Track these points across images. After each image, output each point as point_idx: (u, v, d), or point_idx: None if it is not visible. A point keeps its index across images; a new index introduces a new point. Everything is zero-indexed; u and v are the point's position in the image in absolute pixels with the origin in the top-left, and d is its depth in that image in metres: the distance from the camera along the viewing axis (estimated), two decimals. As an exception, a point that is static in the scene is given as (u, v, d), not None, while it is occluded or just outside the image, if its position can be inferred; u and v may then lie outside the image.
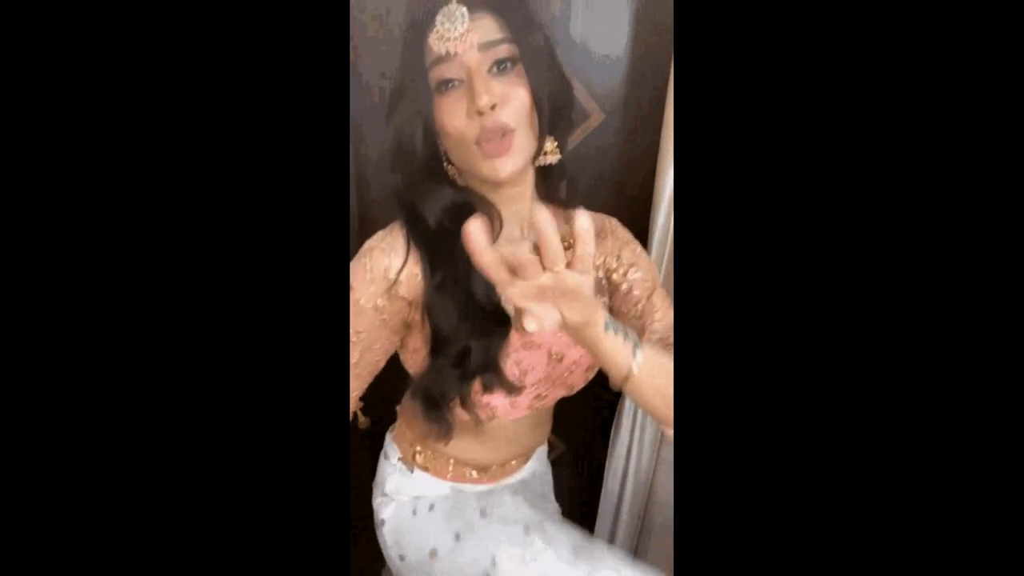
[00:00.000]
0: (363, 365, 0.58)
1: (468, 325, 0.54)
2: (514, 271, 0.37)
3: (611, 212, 1.00)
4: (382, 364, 0.61)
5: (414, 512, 0.70)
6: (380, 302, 0.55)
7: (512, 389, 0.58)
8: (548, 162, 0.56)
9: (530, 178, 0.58)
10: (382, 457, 0.77)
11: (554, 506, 0.84)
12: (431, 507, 0.70)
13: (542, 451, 0.84)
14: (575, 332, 0.44)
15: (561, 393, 0.67)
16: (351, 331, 0.55)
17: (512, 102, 0.50)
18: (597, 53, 0.91)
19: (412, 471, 0.72)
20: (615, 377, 0.49)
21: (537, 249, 0.36)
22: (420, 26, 0.50)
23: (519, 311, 0.39)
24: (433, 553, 0.66)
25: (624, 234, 0.69)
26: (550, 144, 0.56)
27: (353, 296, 0.55)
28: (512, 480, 0.76)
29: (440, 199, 0.55)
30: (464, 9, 0.48)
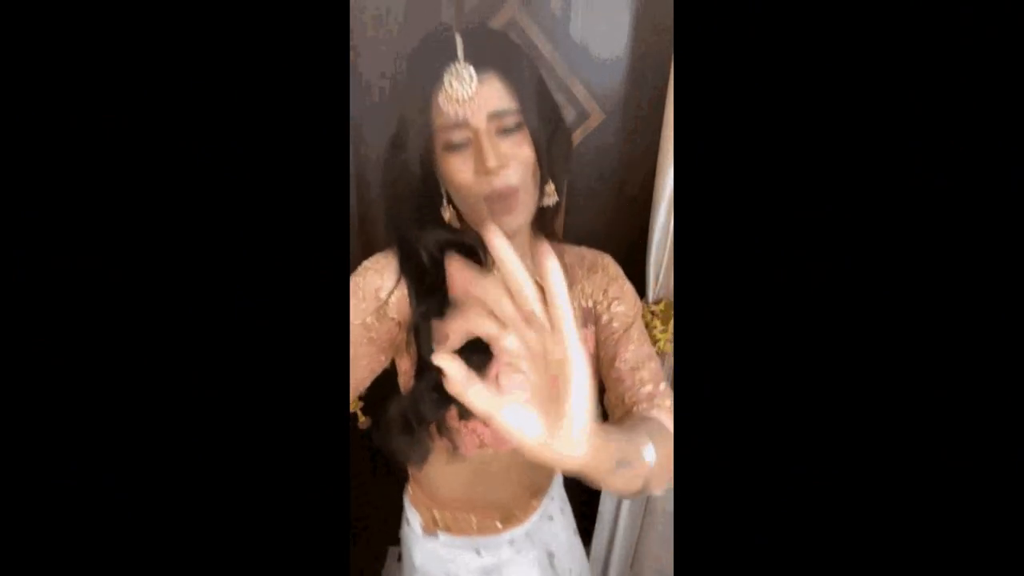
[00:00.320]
0: (349, 381, 0.59)
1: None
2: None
3: (611, 212, 1.00)
4: (367, 382, 0.61)
5: None
6: (369, 320, 0.56)
7: (445, 430, 0.58)
8: (546, 203, 0.58)
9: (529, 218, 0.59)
10: (404, 523, 0.77)
11: (577, 541, 0.84)
12: None
13: (561, 491, 0.84)
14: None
15: None
16: None
17: (518, 163, 0.52)
18: (597, 53, 0.91)
19: (437, 536, 0.72)
20: (628, 493, 0.45)
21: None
22: (423, 77, 0.51)
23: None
24: None
25: (615, 271, 0.70)
26: (549, 187, 0.58)
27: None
28: (535, 517, 0.75)
29: (434, 239, 0.57)
30: (471, 69, 0.49)
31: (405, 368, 0.60)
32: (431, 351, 0.54)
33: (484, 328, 0.32)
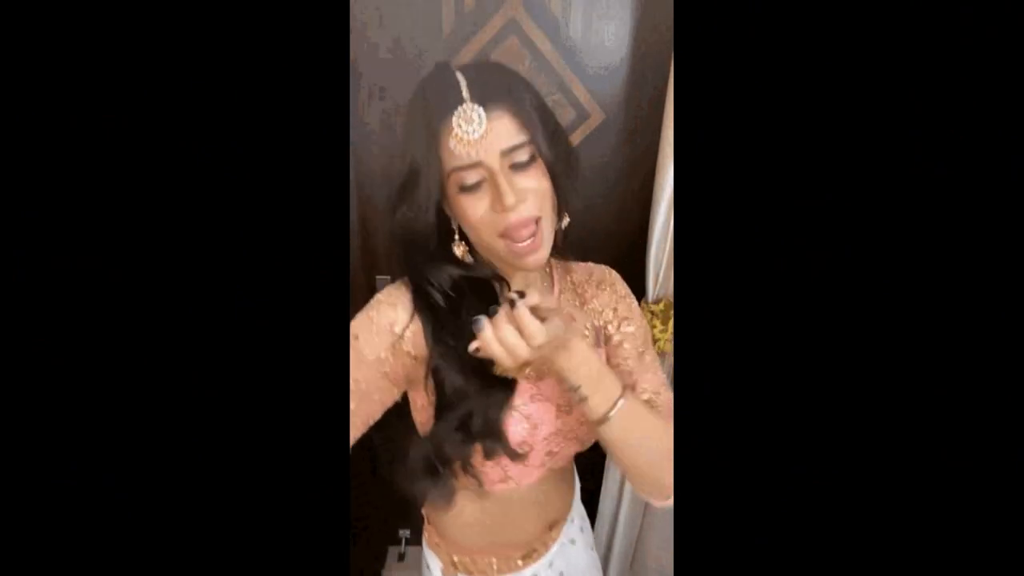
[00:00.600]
0: (359, 414, 0.57)
1: (471, 387, 0.54)
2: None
3: (611, 212, 1.01)
4: (378, 415, 0.60)
5: None
6: (383, 354, 0.55)
7: (515, 456, 0.57)
8: (562, 226, 0.58)
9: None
10: (424, 568, 0.76)
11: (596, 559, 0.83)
12: None
13: (580, 508, 0.83)
14: (549, 358, 0.50)
15: (574, 448, 0.65)
16: (351, 379, 0.55)
17: (535, 195, 0.51)
18: (597, 53, 0.91)
19: None
20: (592, 413, 0.53)
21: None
22: (428, 120, 0.50)
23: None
24: None
25: (622, 288, 0.70)
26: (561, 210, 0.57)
27: (357, 346, 0.55)
28: (556, 546, 0.74)
29: (448, 275, 0.56)
30: (480, 110, 0.48)
31: (421, 404, 0.59)
32: (451, 388, 0.54)
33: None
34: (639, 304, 0.74)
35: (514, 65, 0.68)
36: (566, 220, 0.57)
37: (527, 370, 0.56)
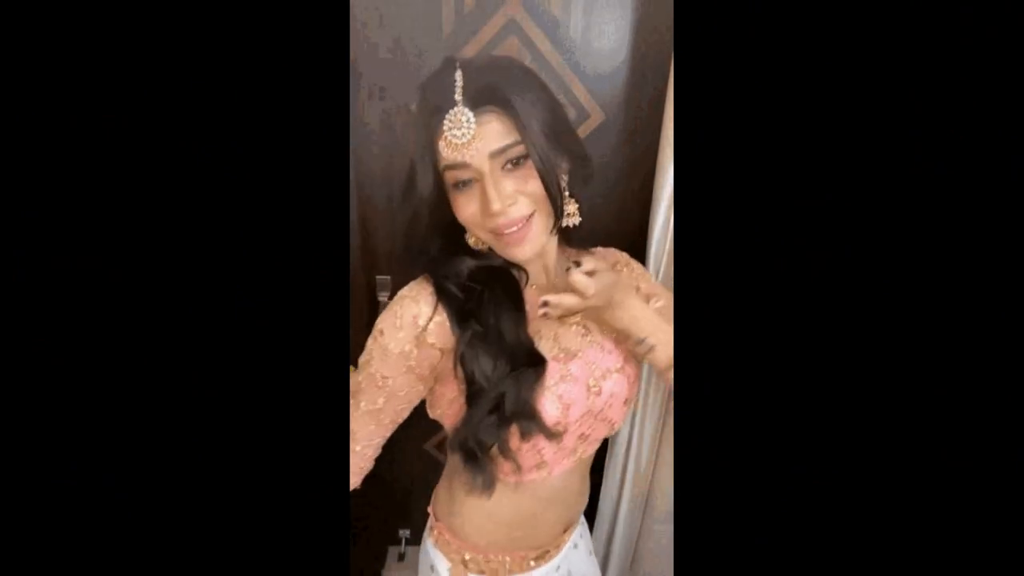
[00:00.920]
0: (387, 412, 0.59)
1: (500, 372, 0.55)
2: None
3: (611, 211, 1.00)
4: (405, 414, 0.61)
5: None
6: (407, 347, 0.55)
7: (551, 435, 0.57)
8: (570, 223, 0.58)
9: (552, 237, 0.59)
10: (427, 568, 0.74)
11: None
12: None
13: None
14: (609, 316, 0.57)
15: (604, 432, 0.66)
16: (378, 376, 0.57)
17: (525, 196, 0.52)
18: (597, 53, 0.91)
19: None
20: (660, 362, 0.58)
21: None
22: (427, 118, 0.51)
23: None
24: None
25: (638, 267, 0.72)
26: (572, 207, 0.57)
27: (382, 341, 0.56)
28: (565, 549, 0.75)
29: (463, 267, 0.58)
30: (470, 114, 0.48)
31: (452, 396, 0.59)
32: (481, 374, 0.55)
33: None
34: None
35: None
36: (576, 218, 0.58)
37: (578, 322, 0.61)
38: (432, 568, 0.73)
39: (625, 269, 0.71)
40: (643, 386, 0.97)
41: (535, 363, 0.56)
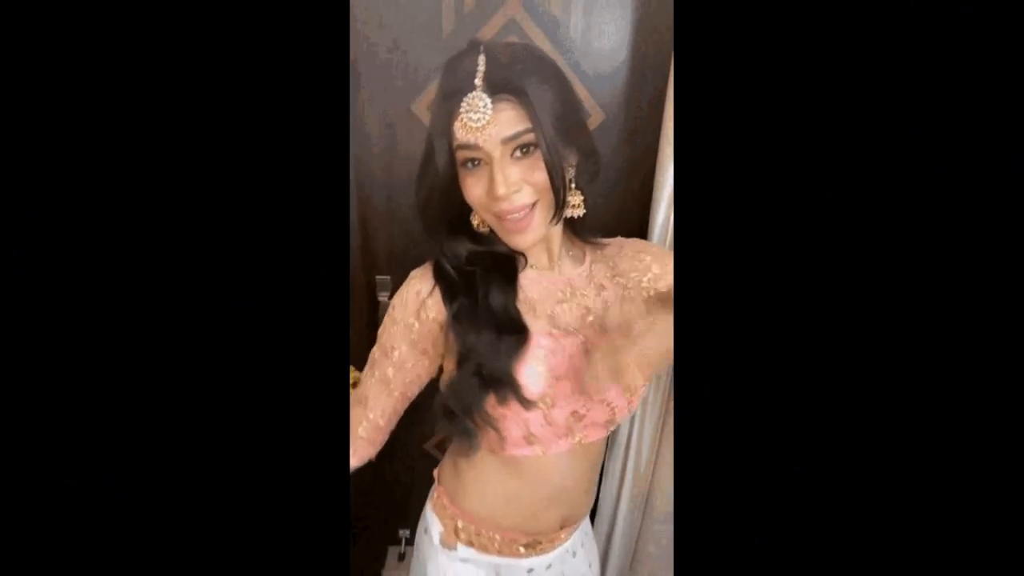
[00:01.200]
0: (396, 383, 0.63)
1: (483, 340, 0.58)
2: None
3: (612, 211, 1.00)
4: (414, 389, 0.65)
5: None
6: (411, 320, 0.61)
7: (526, 402, 0.59)
8: (574, 215, 0.60)
9: (555, 226, 0.61)
10: (421, 531, 0.76)
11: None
12: None
13: (586, 523, 0.82)
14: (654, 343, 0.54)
15: (602, 416, 0.64)
16: (388, 346, 0.63)
17: (529, 185, 0.54)
18: (597, 53, 0.91)
19: (456, 548, 0.72)
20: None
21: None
22: (447, 98, 0.53)
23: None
24: None
25: (655, 248, 0.72)
26: (576, 198, 0.59)
27: (393, 314, 0.62)
28: (559, 550, 0.74)
29: (463, 249, 0.61)
30: (487, 100, 0.50)
31: (450, 368, 0.62)
32: (467, 341, 0.58)
33: None
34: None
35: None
36: (580, 210, 0.59)
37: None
38: (426, 531, 0.75)
39: (640, 253, 0.69)
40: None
41: (518, 332, 0.59)
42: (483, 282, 0.59)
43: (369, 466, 0.79)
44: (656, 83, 0.91)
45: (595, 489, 0.76)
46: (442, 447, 1.16)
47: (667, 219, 0.88)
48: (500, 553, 0.71)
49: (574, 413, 0.62)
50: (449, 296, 0.60)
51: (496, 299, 0.59)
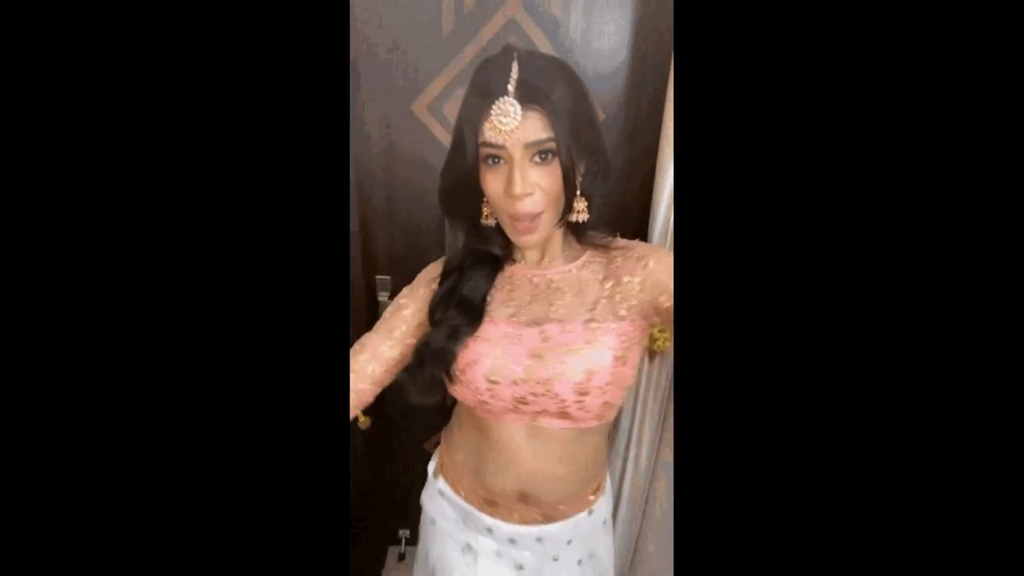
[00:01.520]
0: (396, 342, 0.70)
1: (447, 316, 0.67)
2: None
3: (612, 211, 1.00)
4: (404, 357, 0.71)
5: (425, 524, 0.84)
6: (423, 290, 0.71)
7: (452, 378, 0.67)
8: (578, 220, 0.63)
9: (558, 228, 0.66)
10: (430, 470, 0.85)
11: None
12: (432, 522, 0.81)
13: (588, 521, 0.77)
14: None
15: (551, 406, 0.64)
16: (400, 300, 0.72)
17: (543, 191, 0.58)
18: (597, 54, 0.91)
19: (437, 478, 0.80)
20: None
21: None
22: (480, 95, 0.57)
23: None
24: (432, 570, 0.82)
25: (661, 252, 0.72)
26: (581, 204, 0.62)
27: (413, 283, 0.74)
28: (533, 529, 0.73)
29: (468, 239, 0.68)
30: (518, 106, 0.55)
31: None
32: (439, 309, 0.68)
33: None
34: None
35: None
36: (584, 215, 0.63)
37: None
38: (431, 468, 0.85)
39: (648, 260, 0.68)
40: (643, 386, 0.97)
41: (474, 317, 0.67)
42: (469, 269, 0.68)
43: (369, 466, 0.78)
44: (656, 83, 0.91)
45: (580, 485, 0.73)
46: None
47: (667, 219, 0.88)
48: (466, 500, 0.76)
49: (520, 399, 0.65)
50: (444, 275, 0.70)
51: (469, 285, 0.68)
